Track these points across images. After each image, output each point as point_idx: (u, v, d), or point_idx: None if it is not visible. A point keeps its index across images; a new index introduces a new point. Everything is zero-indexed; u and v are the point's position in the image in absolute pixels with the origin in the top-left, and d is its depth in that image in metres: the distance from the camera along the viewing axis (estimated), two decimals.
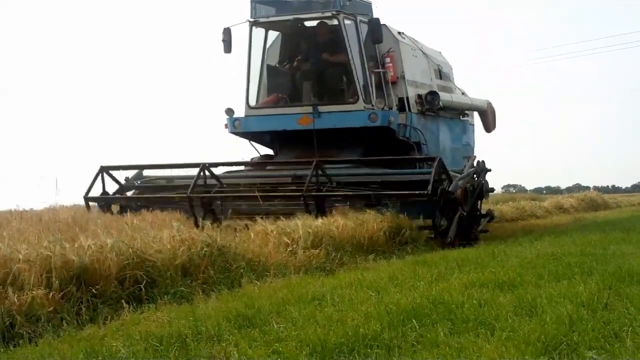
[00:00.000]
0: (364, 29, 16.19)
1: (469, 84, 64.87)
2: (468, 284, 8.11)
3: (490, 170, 17.15)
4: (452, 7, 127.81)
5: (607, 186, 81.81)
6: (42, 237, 9.07)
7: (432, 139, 17.89)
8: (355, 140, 16.31)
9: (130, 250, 8.53)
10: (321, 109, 15.98)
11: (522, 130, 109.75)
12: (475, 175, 15.84)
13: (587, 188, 55.03)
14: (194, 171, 15.22)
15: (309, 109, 16.06)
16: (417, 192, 13.70)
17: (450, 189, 13.98)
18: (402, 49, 17.44)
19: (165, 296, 8.18)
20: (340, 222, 12.11)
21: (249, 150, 17.85)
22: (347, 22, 16.06)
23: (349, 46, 16.00)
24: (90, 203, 15.77)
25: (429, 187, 13.35)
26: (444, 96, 18.29)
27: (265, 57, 17.18)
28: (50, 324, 7.00)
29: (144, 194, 16.19)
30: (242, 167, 17.12)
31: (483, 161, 16.87)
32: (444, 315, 6.54)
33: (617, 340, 5.62)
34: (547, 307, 6.67)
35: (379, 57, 16.73)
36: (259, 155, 17.83)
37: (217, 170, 15.54)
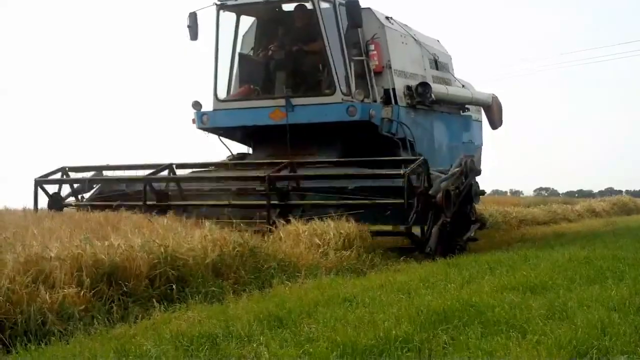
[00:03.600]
0: (344, 12, 14.49)
1: (500, 82, 64.42)
2: (499, 287, 8.08)
3: (480, 170, 15.79)
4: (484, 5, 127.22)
5: None
6: (73, 235, 9.09)
7: (424, 136, 16.45)
8: (333, 136, 14.85)
9: (162, 249, 8.55)
10: (295, 101, 14.49)
11: (554, 133, 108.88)
12: (462, 176, 14.15)
13: (620, 192, 54.71)
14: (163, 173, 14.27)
15: (282, 102, 14.52)
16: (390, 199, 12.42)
17: (430, 192, 12.62)
18: (389, 35, 15.84)
19: (197, 296, 8.20)
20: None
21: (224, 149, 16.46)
22: (323, 4, 14.50)
23: (325, 31, 14.42)
24: (40, 205, 14.46)
25: (403, 180, 12.07)
26: (437, 88, 16.76)
27: (237, 44, 15.72)
28: (81, 322, 7.05)
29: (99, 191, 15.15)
30: (212, 168, 15.62)
31: (472, 160, 15.11)
32: (475, 318, 6.51)
33: None
34: (579, 311, 6.63)
35: (363, 44, 15.22)
36: (231, 153, 16.39)
37: (185, 172, 14.85)
